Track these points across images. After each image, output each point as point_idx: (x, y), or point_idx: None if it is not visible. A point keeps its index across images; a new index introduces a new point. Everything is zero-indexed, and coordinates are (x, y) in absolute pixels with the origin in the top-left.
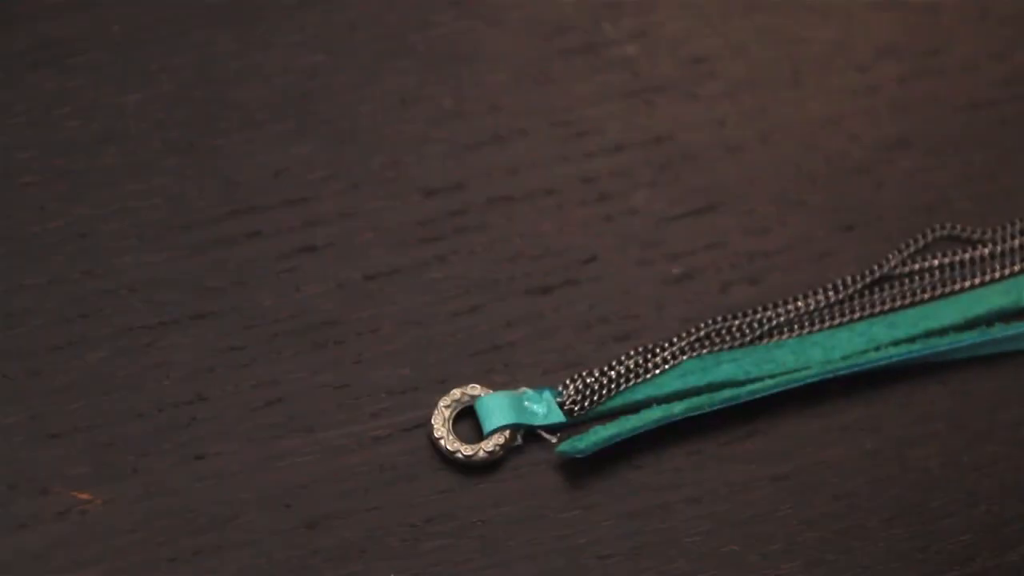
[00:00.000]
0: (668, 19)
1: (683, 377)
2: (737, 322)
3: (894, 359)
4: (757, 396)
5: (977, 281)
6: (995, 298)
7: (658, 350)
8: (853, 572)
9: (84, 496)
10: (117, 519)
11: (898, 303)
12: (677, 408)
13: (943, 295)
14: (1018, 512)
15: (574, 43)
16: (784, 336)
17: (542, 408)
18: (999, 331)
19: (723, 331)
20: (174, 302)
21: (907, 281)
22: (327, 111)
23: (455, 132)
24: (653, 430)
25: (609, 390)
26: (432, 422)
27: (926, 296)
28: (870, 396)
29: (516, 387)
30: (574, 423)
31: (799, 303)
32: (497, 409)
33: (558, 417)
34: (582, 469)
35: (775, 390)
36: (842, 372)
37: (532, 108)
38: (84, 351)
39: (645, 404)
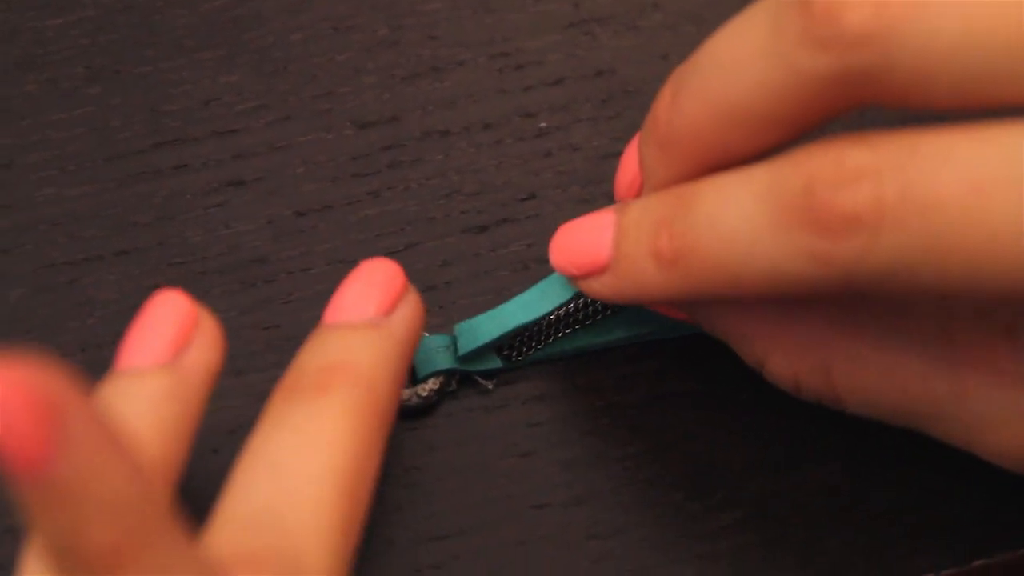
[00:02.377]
0: None
1: (627, 324)
2: None
3: None
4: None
5: None
6: None
7: None
8: None
9: None
10: None
11: None
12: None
13: None
14: None
15: None
16: None
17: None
18: None
19: None
20: (97, 237)
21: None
22: (257, 39)
23: (390, 63)
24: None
25: (547, 335)
26: None
27: None
28: None
29: (451, 330)
30: (511, 368)
31: None
32: (433, 353)
33: (494, 362)
34: (517, 417)
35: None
36: None
37: (470, 38)
38: (4, 288)
39: (588, 349)
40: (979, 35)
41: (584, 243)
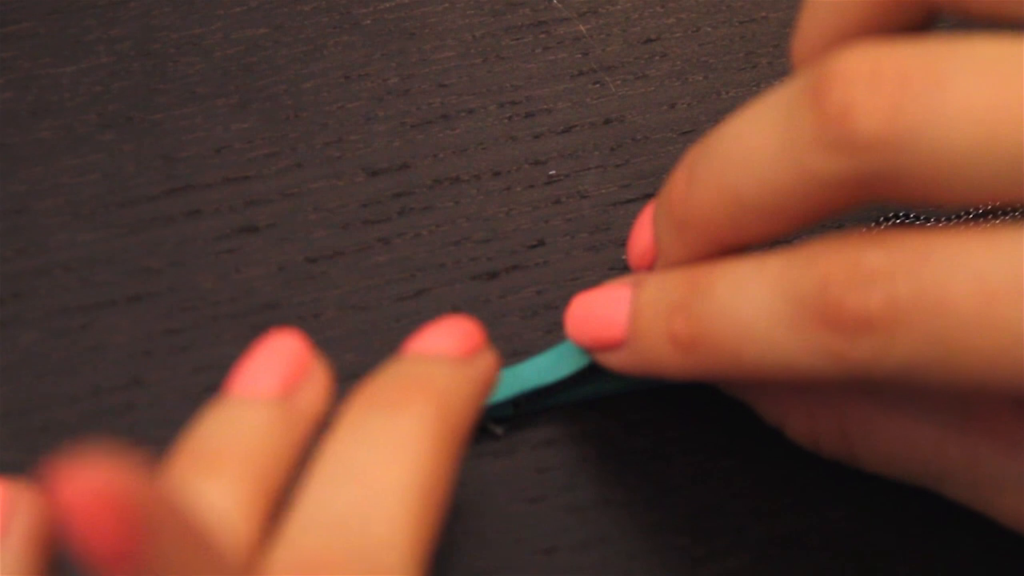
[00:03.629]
0: None
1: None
2: None
3: None
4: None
5: None
6: None
7: None
8: None
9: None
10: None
11: None
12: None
13: None
14: None
15: (523, 20)
16: None
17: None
18: None
19: None
20: (110, 282)
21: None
22: (270, 86)
23: (401, 110)
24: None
25: (558, 386)
26: None
27: None
28: None
29: None
30: (521, 415)
31: None
32: None
33: (505, 409)
34: (526, 462)
35: None
36: None
37: (480, 86)
38: (17, 332)
39: (597, 397)
40: (994, 141)
41: (600, 318)
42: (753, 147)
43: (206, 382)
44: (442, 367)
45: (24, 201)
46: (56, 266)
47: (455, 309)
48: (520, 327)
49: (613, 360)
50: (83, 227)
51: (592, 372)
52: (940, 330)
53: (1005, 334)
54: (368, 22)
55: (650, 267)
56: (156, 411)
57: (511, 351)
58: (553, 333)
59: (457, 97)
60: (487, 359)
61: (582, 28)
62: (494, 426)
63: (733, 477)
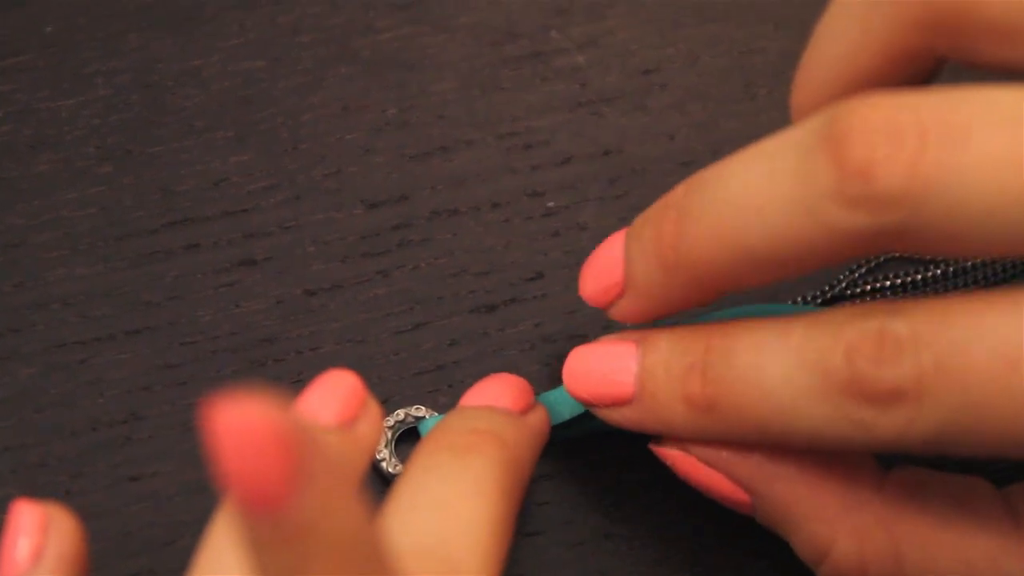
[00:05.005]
0: (618, 28)
1: None
2: None
3: None
4: None
5: None
6: None
7: None
8: None
9: None
10: None
11: None
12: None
13: None
14: None
15: (522, 51)
16: None
17: None
18: None
19: None
20: (108, 316)
21: (858, 302)
22: (268, 119)
23: (399, 142)
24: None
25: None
26: None
27: None
28: None
29: None
30: None
31: None
32: None
33: None
34: (525, 496)
35: None
36: None
37: (478, 118)
38: (15, 367)
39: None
40: (1013, 197)
41: (603, 375)
42: (762, 195)
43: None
44: (505, 418)
45: (22, 235)
46: (54, 300)
47: (453, 342)
48: (519, 360)
49: (617, 416)
50: (81, 261)
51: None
52: (964, 397)
53: None
54: (366, 54)
55: (614, 301)
56: (154, 445)
57: None
58: (551, 366)
59: (456, 129)
60: (540, 414)
61: (580, 59)
62: None
63: (734, 512)
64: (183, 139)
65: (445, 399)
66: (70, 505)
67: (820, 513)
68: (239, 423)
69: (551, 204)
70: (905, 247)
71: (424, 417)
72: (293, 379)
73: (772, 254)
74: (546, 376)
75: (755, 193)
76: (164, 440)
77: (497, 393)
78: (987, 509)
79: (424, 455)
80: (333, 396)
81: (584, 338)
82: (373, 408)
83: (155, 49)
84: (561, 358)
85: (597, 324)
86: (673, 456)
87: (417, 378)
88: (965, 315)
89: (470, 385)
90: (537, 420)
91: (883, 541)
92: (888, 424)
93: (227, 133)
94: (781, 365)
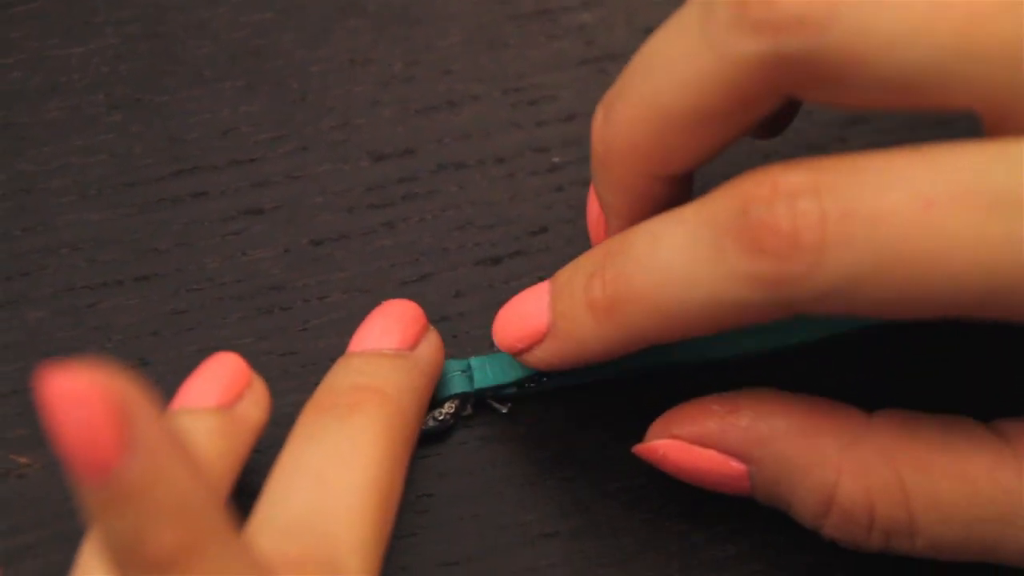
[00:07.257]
0: None
1: (643, 352)
2: None
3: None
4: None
5: None
6: None
7: None
8: None
9: (23, 460)
10: (56, 484)
11: None
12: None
13: None
14: None
15: (528, 8)
16: None
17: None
18: None
19: None
20: (117, 262)
21: None
22: (276, 70)
23: (406, 96)
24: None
25: None
26: None
27: None
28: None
29: (465, 358)
30: (525, 393)
31: None
32: (449, 377)
33: (508, 387)
34: (527, 445)
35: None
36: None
37: (484, 74)
38: (24, 310)
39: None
40: (919, 30)
41: (522, 315)
42: (669, 51)
43: None
44: (390, 365)
45: (32, 180)
46: (63, 246)
47: (458, 294)
48: None
49: (539, 354)
50: (90, 207)
51: None
52: (877, 240)
53: (945, 238)
54: (374, 8)
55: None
56: (161, 391)
57: None
58: None
59: (462, 84)
60: (431, 343)
61: (586, 17)
62: (499, 405)
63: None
64: (192, 88)
65: (449, 350)
66: None
67: (820, 458)
68: (69, 389)
69: (556, 160)
70: (808, 82)
71: None
72: (300, 327)
73: (684, 105)
74: None
75: (664, 51)
76: (171, 385)
77: (383, 330)
78: (974, 432)
79: (306, 422)
80: (216, 379)
81: None
82: (259, 388)
83: None
84: None
85: None
86: (661, 447)
87: None
88: (877, 165)
89: (475, 337)
90: (428, 351)
91: (886, 472)
92: (788, 277)
93: (236, 83)
94: (674, 237)
